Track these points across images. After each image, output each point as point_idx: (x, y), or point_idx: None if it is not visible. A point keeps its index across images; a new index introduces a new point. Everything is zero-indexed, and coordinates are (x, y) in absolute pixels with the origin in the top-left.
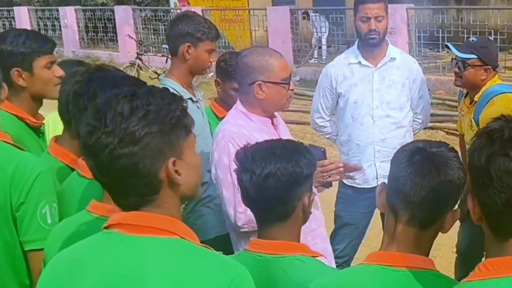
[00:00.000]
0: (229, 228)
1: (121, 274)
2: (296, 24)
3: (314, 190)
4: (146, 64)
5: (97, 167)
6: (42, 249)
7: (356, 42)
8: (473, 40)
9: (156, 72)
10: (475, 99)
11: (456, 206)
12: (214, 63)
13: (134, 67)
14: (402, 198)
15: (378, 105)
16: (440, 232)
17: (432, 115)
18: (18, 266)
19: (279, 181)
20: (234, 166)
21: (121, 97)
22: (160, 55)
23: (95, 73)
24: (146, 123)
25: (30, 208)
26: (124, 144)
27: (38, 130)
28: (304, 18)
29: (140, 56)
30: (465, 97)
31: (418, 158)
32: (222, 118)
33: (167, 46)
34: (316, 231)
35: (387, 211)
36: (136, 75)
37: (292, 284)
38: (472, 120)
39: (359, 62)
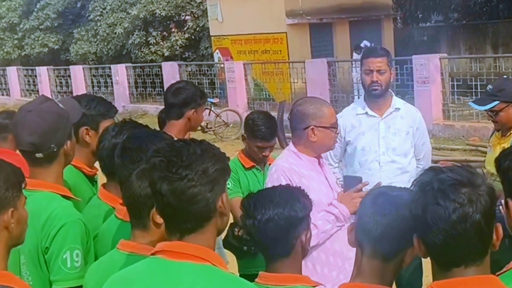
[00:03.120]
0: None
1: None
2: (333, 75)
3: (346, 224)
4: None
5: (172, 192)
6: None
7: (363, 95)
8: (490, 89)
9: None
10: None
11: None
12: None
13: None
14: (366, 234)
15: (384, 152)
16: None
17: (465, 161)
18: None
19: (277, 225)
20: None
21: (189, 141)
22: None
23: (128, 126)
24: (215, 161)
25: (54, 252)
26: (199, 176)
27: (92, 179)
28: (355, 50)
29: None
30: (497, 131)
31: (381, 200)
32: (249, 168)
33: (211, 100)
34: (353, 260)
35: (356, 246)
36: None
37: None
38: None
39: (366, 113)
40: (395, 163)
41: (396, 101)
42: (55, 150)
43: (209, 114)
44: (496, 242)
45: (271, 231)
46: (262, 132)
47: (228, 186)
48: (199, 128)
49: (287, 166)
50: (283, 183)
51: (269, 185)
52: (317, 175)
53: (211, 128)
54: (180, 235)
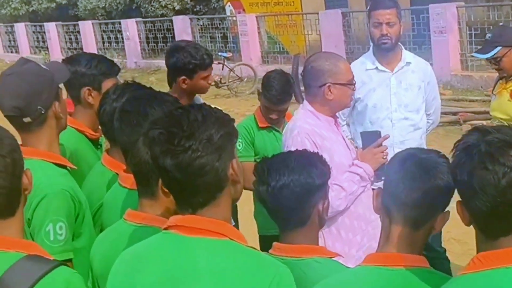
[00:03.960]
0: None
1: (176, 271)
2: (348, 26)
3: (368, 185)
4: None
5: (176, 166)
6: None
7: (371, 49)
8: (489, 37)
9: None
10: None
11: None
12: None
13: None
14: (395, 200)
15: (396, 108)
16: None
17: (484, 112)
18: None
19: (292, 192)
20: None
21: (188, 108)
22: (216, 62)
23: (130, 89)
24: (219, 127)
25: (36, 225)
26: (204, 145)
27: (96, 142)
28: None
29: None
30: (500, 80)
31: (409, 163)
32: (264, 127)
33: (224, 54)
34: (375, 222)
35: (382, 214)
36: None
37: (311, 284)
38: None
39: (376, 68)
40: (407, 120)
41: (407, 55)
42: (42, 112)
43: (222, 69)
44: None
45: (285, 199)
46: (271, 94)
47: (238, 148)
48: (213, 83)
49: (309, 128)
50: (308, 146)
51: (293, 149)
52: (336, 136)
53: (225, 83)
54: (192, 209)
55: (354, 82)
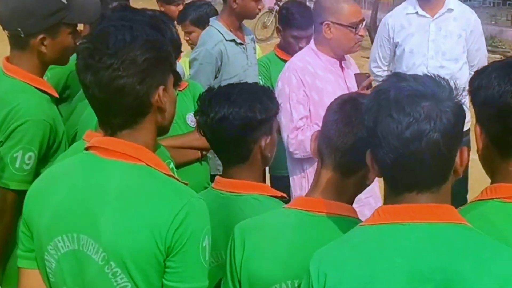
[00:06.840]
0: (288, 157)
1: (86, 192)
2: None
3: None
4: None
5: (96, 83)
6: (5, 189)
7: None
8: None
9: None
10: None
11: None
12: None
13: (272, 13)
14: (327, 143)
15: (433, 56)
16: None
17: None
18: None
19: (231, 125)
20: (294, 96)
21: (121, 26)
22: None
23: (116, 13)
24: (146, 49)
25: (6, 148)
26: (126, 66)
27: None
28: None
29: (279, 3)
30: None
31: (348, 107)
32: (284, 60)
33: None
34: (364, 201)
35: (317, 156)
36: (274, 22)
37: None
38: None
39: (417, 12)
40: (443, 69)
41: (450, 1)
42: (21, 35)
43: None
44: (460, 168)
45: (224, 132)
46: (296, 21)
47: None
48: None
49: (300, 65)
50: (294, 83)
51: (279, 84)
52: (335, 78)
53: None
54: (112, 131)
55: (360, 26)
